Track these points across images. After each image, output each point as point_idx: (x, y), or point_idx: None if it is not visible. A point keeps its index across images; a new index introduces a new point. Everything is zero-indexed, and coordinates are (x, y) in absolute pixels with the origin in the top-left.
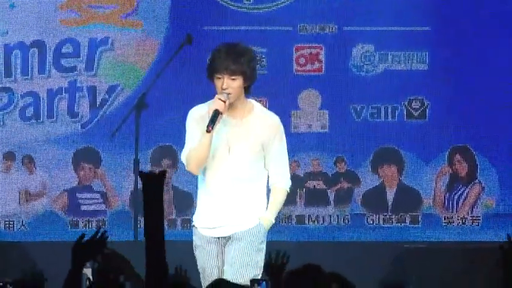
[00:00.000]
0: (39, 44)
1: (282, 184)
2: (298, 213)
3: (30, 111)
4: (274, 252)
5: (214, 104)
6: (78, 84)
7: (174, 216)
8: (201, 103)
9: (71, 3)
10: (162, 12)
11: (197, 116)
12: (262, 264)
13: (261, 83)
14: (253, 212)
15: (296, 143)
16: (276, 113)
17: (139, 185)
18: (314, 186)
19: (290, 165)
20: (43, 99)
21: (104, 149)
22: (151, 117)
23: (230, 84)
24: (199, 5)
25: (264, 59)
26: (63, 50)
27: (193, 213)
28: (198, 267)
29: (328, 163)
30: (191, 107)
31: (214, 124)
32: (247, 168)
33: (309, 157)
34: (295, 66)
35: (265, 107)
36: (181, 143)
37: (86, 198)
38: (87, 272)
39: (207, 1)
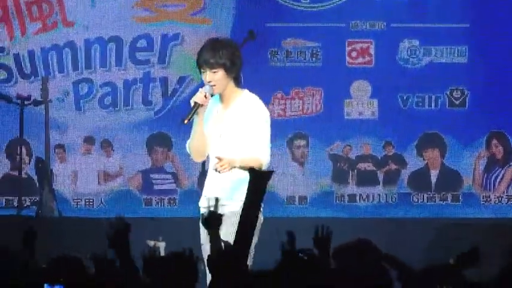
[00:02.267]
0: (117, 39)
1: (262, 157)
2: (350, 193)
3: (108, 100)
4: (321, 226)
5: (195, 96)
6: (152, 76)
7: None
8: (261, 95)
9: (144, 2)
10: (228, 9)
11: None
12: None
13: (317, 74)
14: (239, 195)
15: (348, 129)
16: (330, 101)
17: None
18: (365, 168)
19: (343, 149)
20: (120, 89)
21: (175, 134)
22: None
23: (212, 77)
24: (262, 4)
25: (319, 53)
26: (138, 45)
27: None
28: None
29: (377, 147)
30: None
31: (191, 116)
32: (235, 153)
33: (360, 142)
34: (347, 59)
35: (321, 96)
36: None
37: (158, 179)
38: (161, 245)
39: (268, 0)
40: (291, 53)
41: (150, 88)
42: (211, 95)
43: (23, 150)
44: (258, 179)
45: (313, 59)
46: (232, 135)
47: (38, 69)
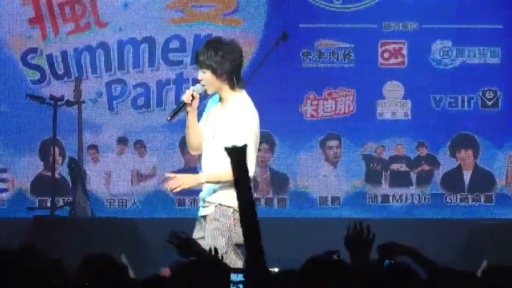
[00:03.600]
0: (149, 40)
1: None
2: (383, 193)
3: (141, 101)
4: (358, 226)
5: (184, 95)
6: (184, 76)
7: (270, 195)
8: (294, 95)
9: (177, 3)
10: (260, 11)
11: (208, 109)
12: (230, 246)
13: (349, 75)
14: (217, 195)
15: (381, 130)
16: (363, 102)
17: None
18: (398, 168)
19: (376, 149)
20: (153, 89)
21: None
22: None
23: (202, 76)
24: (294, 5)
25: (351, 54)
26: (171, 46)
27: (288, 193)
28: None
29: (410, 147)
30: (287, 99)
31: (174, 113)
32: (224, 154)
33: (393, 142)
34: (380, 60)
35: (353, 96)
36: (278, 130)
37: None
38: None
39: (301, 1)
40: (324, 53)
41: (182, 89)
42: (206, 95)
43: (56, 150)
44: (238, 155)
45: (346, 59)
46: (224, 136)
47: (71, 70)
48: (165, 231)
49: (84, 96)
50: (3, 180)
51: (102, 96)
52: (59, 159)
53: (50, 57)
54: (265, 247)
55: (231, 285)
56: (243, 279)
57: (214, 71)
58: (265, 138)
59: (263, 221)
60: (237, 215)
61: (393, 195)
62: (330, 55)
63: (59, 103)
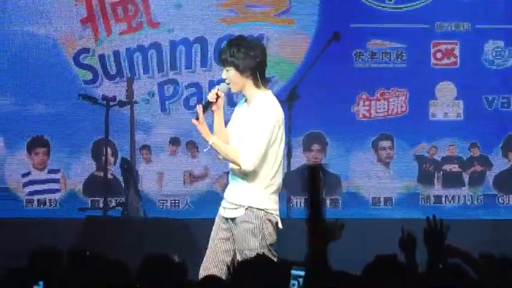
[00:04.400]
0: (202, 40)
1: (241, 156)
2: (436, 194)
3: (193, 101)
4: (407, 228)
5: (209, 94)
6: None
7: (323, 196)
8: (346, 96)
9: (230, 3)
10: (312, 11)
11: (235, 110)
12: (262, 248)
13: (402, 75)
14: (247, 198)
15: (434, 130)
16: (416, 102)
17: (292, 167)
18: (450, 169)
19: (429, 150)
20: (205, 89)
21: None
22: (303, 107)
23: (226, 74)
24: (346, 5)
25: (404, 54)
26: (223, 46)
27: (341, 193)
28: None
29: (463, 148)
30: (339, 99)
31: (203, 113)
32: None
33: (445, 143)
34: (432, 60)
35: (406, 97)
36: (330, 131)
37: None
38: None
39: (353, 1)
40: (376, 54)
41: None
42: (231, 93)
43: (109, 151)
44: (314, 174)
45: (398, 60)
46: (245, 137)
47: (123, 70)
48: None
49: (136, 97)
50: (55, 181)
51: (154, 97)
52: (111, 159)
53: (102, 58)
54: None
55: (291, 278)
56: (303, 273)
57: (237, 68)
58: (318, 139)
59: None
60: (269, 216)
61: (446, 196)
62: (382, 55)
63: (111, 103)
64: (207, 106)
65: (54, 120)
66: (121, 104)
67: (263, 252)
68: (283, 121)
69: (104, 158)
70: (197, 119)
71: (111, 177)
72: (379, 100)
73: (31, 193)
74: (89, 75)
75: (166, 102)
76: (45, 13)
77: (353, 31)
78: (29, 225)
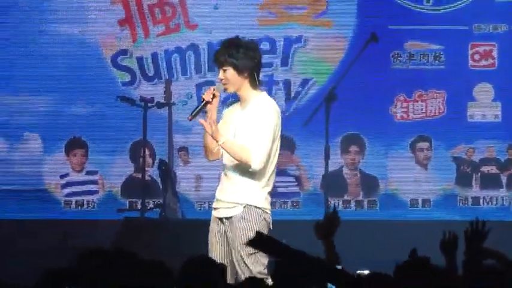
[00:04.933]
0: None
1: (252, 155)
2: (474, 195)
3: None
4: (448, 230)
5: (204, 94)
6: (275, 78)
7: (361, 197)
8: (384, 97)
9: (268, 4)
10: (350, 12)
11: (226, 110)
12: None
13: (440, 77)
14: (245, 196)
15: (471, 132)
16: (453, 104)
17: (330, 169)
18: (488, 170)
19: (467, 151)
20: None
21: (298, 136)
22: (341, 108)
23: (223, 75)
24: (384, 6)
25: (442, 55)
26: (261, 47)
27: (378, 195)
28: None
29: (501, 150)
30: (377, 101)
31: (196, 113)
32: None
33: (483, 144)
34: (470, 62)
35: (444, 98)
36: (368, 132)
37: (282, 181)
38: None
39: (390, 2)
40: (414, 55)
41: (273, 91)
42: (227, 93)
43: (147, 152)
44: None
45: (436, 61)
46: (245, 137)
47: (161, 71)
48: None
49: (174, 98)
50: (93, 182)
51: (192, 98)
52: (149, 161)
53: (140, 59)
54: (356, 249)
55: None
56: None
57: (236, 68)
58: (356, 140)
59: (353, 223)
60: (265, 216)
61: (483, 198)
62: (420, 57)
63: (149, 105)
64: (203, 106)
65: (92, 122)
66: (159, 105)
67: (255, 252)
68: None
69: (142, 159)
70: (191, 117)
71: (149, 178)
72: (417, 102)
73: (69, 194)
74: (127, 77)
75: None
76: (83, 14)
77: (391, 32)
78: (66, 227)
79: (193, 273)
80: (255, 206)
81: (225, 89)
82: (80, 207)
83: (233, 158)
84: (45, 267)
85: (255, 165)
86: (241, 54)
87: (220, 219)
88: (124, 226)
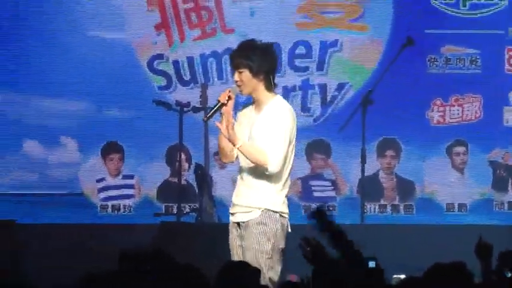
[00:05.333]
0: (275, 46)
1: (269, 157)
2: (510, 200)
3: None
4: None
5: (220, 95)
6: (311, 83)
7: (397, 202)
8: (420, 101)
9: (304, 9)
10: (386, 16)
11: (240, 113)
12: (275, 251)
13: (476, 81)
14: (263, 200)
15: (508, 136)
16: (490, 108)
17: (366, 173)
18: None
19: (503, 156)
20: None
21: (334, 140)
22: (377, 113)
23: (238, 76)
24: (420, 10)
25: (478, 60)
26: (297, 52)
27: (415, 199)
28: None
29: None
30: (414, 105)
31: (211, 114)
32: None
33: None
34: (506, 66)
35: (480, 102)
36: (405, 136)
37: (318, 186)
38: None
39: (426, 7)
40: (450, 59)
41: (309, 95)
42: (242, 95)
43: (183, 156)
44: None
45: (473, 65)
46: (260, 139)
47: (197, 75)
48: (290, 237)
49: (210, 102)
50: (130, 187)
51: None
52: (186, 165)
53: (176, 63)
54: (392, 253)
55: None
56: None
57: (251, 70)
58: (392, 145)
59: (390, 228)
60: (283, 220)
61: None
62: (456, 61)
63: (185, 109)
64: (218, 108)
65: (129, 126)
66: (195, 109)
67: (271, 256)
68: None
69: (178, 163)
70: (207, 118)
71: (185, 182)
72: (454, 106)
73: (105, 199)
74: (163, 81)
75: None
76: (120, 19)
77: (427, 37)
78: (103, 231)
79: (230, 277)
80: (272, 210)
81: (240, 91)
82: (116, 212)
83: (250, 161)
84: (81, 270)
85: (272, 168)
86: (257, 57)
87: (238, 223)
88: (160, 230)
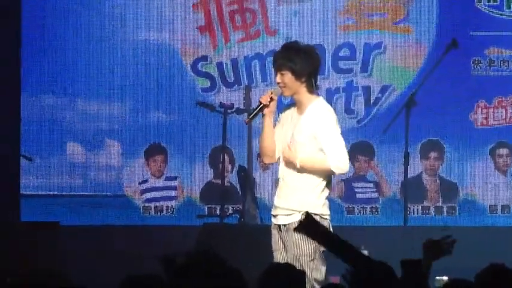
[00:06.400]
0: (319, 48)
1: (329, 161)
2: None
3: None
4: None
5: (262, 96)
6: (354, 85)
7: (440, 204)
8: (464, 103)
9: (348, 11)
10: (430, 19)
11: (282, 114)
12: (317, 252)
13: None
14: (303, 203)
15: None
16: None
17: (409, 175)
18: None
19: None
20: (323, 97)
21: (377, 142)
22: (421, 115)
23: (281, 78)
24: (465, 13)
25: None
26: (341, 54)
27: (458, 201)
28: None
29: None
30: (457, 107)
31: (253, 115)
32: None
33: None
34: None
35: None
36: (448, 138)
37: (361, 187)
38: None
39: (471, 9)
40: (494, 61)
41: (352, 97)
42: (282, 97)
43: (226, 158)
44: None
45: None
46: (302, 141)
47: (241, 77)
48: None
49: (254, 105)
50: (173, 188)
51: None
52: (229, 167)
53: (220, 65)
54: None
55: None
56: None
57: (294, 72)
58: (435, 146)
59: (433, 230)
60: (324, 222)
61: None
62: (500, 63)
63: (228, 111)
64: (260, 109)
65: (172, 128)
66: (239, 111)
67: (313, 259)
68: None
69: (221, 165)
70: (249, 119)
71: (228, 184)
72: (497, 108)
73: (148, 200)
74: (207, 83)
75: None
76: (164, 21)
77: (471, 39)
78: (146, 232)
79: (275, 280)
80: (313, 213)
81: (282, 93)
82: (159, 213)
83: (313, 172)
84: (123, 272)
85: (340, 168)
86: (299, 59)
87: (279, 226)
88: (203, 232)
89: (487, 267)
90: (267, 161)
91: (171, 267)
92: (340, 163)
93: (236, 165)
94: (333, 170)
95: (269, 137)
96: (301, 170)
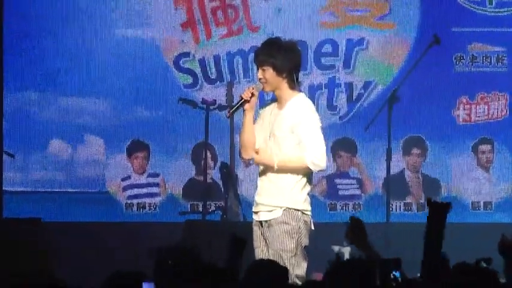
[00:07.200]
0: (302, 44)
1: (306, 159)
2: None
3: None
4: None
5: (244, 92)
6: (337, 81)
7: (422, 200)
8: (446, 100)
9: (330, 7)
10: (412, 15)
11: (262, 110)
12: (299, 248)
13: (502, 79)
14: (284, 199)
15: None
16: None
17: (392, 172)
18: None
19: None
20: (305, 94)
21: (360, 138)
22: (403, 110)
23: (262, 74)
24: (447, 9)
25: (504, 58)
26: (323, 50)
27: (440, 197)
28: None
29: None
30: (440, 103)
31: (234, 110)
32: (281, 154)
33: None
34: None
35: (506, 100)
36: (430, 135)
37: (343, 184)
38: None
39: (453, 5)
40: (477, 57)
41: (335, 93)
42: (265, 92)
43: (208, 154)
44: (436, 211)
45: (499, 63)
46: (281, 135)
47: (224, 74)
48: (317, 235)
49: (236, 100)
50: (155, 185)
51: None
52: (211, 163)
53: (202, 62)
54: (416, 252)
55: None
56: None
57: (275, 68)
58: (417, 143)
59: (415, 226)
60: (305, 218)
61: None
62: (482, 59)
63: (211, 107)
64: (241, 104)
65: (154, 124)
66: (221, 108)
67: (294, 254)
68: None
69: (203, 162)
70: (230, 114)
71: (211, 181)
72: (480, 104)
73: (131, 197)
74: (189, 79)
75: None
76: (146, 17)
77: (454, 35)
78: (128, 229)
79: (258, 276)
80: (294, 209)
81: (263, 88)
82: (141, 210)
83: (291, 170)
84: (107, 269)
85: (317, 165)
86: (280, 55)
87: (260, 222)
88: (185, 229)
89: (453, 267)
90: (246, 156)
91: (163, 267)
92: (317, 159)
93: (219, 161)
94: (310, 167)
95: (249, 132)
96: (279, 170)
